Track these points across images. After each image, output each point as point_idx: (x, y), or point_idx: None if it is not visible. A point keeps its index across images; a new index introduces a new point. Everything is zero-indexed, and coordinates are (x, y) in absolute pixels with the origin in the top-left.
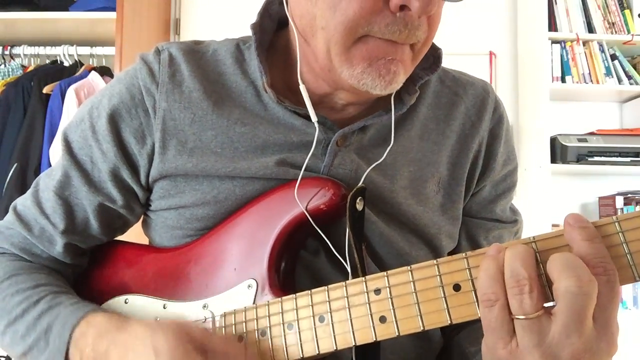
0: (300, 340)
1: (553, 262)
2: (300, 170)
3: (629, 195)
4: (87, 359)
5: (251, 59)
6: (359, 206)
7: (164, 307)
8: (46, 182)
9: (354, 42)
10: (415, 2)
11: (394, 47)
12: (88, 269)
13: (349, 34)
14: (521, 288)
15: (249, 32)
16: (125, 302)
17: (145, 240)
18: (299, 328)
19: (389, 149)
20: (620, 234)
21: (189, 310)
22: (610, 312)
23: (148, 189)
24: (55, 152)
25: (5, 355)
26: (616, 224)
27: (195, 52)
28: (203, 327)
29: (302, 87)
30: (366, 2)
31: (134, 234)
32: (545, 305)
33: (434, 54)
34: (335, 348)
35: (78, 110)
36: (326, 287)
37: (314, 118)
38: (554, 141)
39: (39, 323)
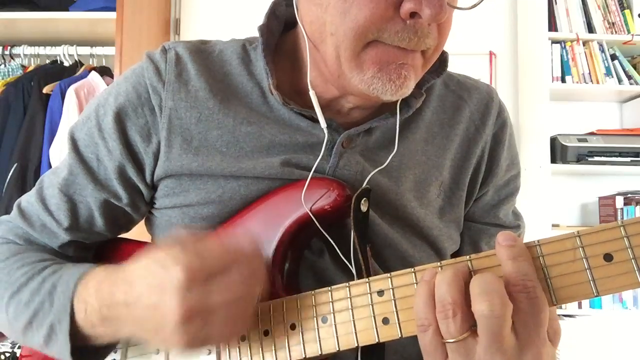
0: (303, 341)
1: (472, 285)
2: (304, 170)
3: (629, 195)
4: (92, 310)
5: (257, 60)
6: (364, 207)
7: None
8: (51, 179)
9: (364, 47)
10: (426, 9)
11: (404, 53)
12: None
13: (358, 39)
14: (446, 313)
15: (249, 32)
16: None
17: (148, 238)
18: (301, 328)
19: (391, 155)
20: (625, 238)
21: None
22: (533, 328)
23: (153, 187)
24: (56, 152)
25: (9, 351)
26: (621, 228)
27: (202, 51)
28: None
29: (312, 94)
30: (377, 8)
31: (137, 232)
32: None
33: (441, 57)
34: (338, 349)
35: (85, 108)
36: (329, 288)
37: (323, 124)
38: (554, 141)
39: (43, 287)
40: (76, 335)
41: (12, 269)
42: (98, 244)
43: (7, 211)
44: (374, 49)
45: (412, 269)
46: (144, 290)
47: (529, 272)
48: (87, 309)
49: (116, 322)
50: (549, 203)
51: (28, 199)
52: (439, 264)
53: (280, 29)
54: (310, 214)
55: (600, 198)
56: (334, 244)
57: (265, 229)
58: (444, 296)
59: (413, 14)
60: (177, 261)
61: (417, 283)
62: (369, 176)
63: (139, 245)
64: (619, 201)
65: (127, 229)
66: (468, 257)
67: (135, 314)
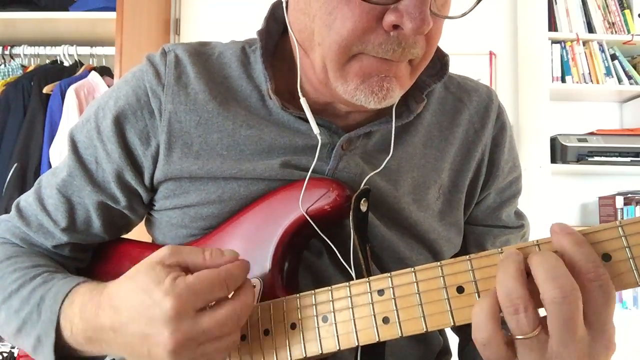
0: (304, 340)
1: (536, 269)
2: (304, 171)
3: (629, 195)
4: (78, 330)
5: (256, 62)
6: (363, 207)
7: None
8: (49, 180)
9: (349, 59)
10: (407, 23)
11: (387, 65)
12: (92, 266)
13: (343, 52)
14: (516, 308)
15: (249, 33)
16: None
17: (148, 238)
18: (302, 327)
19: (387, 160)
20: (623, 238)
21: None
22: (606, 316)
23: (152, 190)
24: (56, 152)
25: (7, 351)
26: (619, 228)
27: (202, 54)
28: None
29: (302, 100)
30: (359, 21)
31: (137, 232)
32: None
33: (441, 61)
34: (338, 348)
35: (86, 109)
36: (330, 287)
37: (315, 130)
38: (554, 141)
39: (32, 297)
40: (63, 348)
41: (5, 272)
42: (96, 245)
43: (7, 211)
44: (358, 62)
45: (412, 269)
46: (132, 318)
47: (597, 259)
48: (72, 329)
49: (103, 344)
50: (549, 203)
51: (26, 199)
52: (438, 263)
53: (280, 31)
54: (307, 216)
55: (600, 198)
56: (332, 245)
57: (264, 229)
58: (510, 290)
59: (396, 26)
60: (167, 291)
61: (417, 283)
62: (366, 178)
63: (138, 245)
64: (619, 201)
65: (127, 231)
66: (467, 257)
67: (123, 340)
